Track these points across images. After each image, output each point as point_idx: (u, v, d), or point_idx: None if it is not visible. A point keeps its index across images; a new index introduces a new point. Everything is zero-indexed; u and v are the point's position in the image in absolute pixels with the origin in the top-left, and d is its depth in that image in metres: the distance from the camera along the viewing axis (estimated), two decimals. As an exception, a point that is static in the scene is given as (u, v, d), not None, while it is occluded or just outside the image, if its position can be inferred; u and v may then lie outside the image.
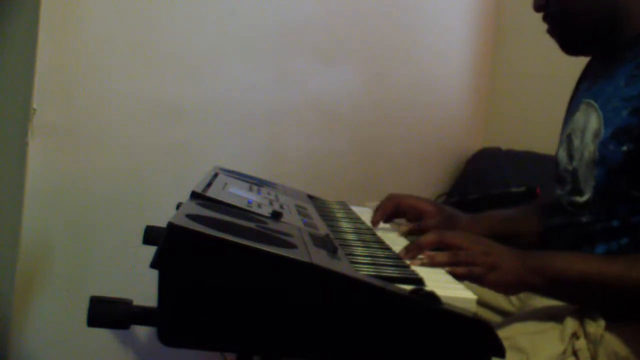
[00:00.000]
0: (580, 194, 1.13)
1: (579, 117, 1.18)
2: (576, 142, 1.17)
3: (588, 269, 0.98)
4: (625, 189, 1.05)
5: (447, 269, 0.95)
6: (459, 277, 0.94)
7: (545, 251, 1.10)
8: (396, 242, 1.12)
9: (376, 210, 1.31)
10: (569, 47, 1.20)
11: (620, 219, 1.06)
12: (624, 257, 1.01)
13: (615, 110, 1.07)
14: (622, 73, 1.10)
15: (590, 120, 1.13)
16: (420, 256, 0.99)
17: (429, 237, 1.00)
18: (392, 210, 1.32)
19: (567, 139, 1.22)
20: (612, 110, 1.08)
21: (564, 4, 1.15)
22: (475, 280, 0.97)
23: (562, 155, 1.22)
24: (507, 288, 1.00)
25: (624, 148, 1.04)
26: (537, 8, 1.19)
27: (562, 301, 1.08)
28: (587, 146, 1.11)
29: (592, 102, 1.15)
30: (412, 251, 1.00)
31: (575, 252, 1.08)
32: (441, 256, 0.97)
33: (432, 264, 0.96)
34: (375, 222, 1.28)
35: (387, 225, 1.32)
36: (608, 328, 1.01)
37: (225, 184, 1.18)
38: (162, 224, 0.75)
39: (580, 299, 1.03)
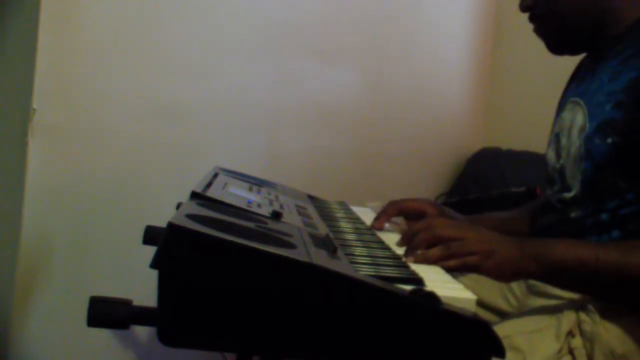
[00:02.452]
0: (568, 190, 1.14)
1: (565, 116, 1.20)
2: (563, 140, 1.18)
3: (585, 255, 0.98)
4: (612, 182, 1.05)
5: (441, 263, 0.95)
6: (454, 270, 0.94)
7: (542, 238, 1.10)
8: (396, 242, 1.12)
9: (379, 215, 1.29)
10: (556, 47, 1.21)
11: (610, 213, 1.06)
12: (620, 244, 1.01)
13: (599, 105, 1.08)
14: (606, 70, 1.11)
15: (577, 118, 1.14)
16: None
17: (421, 237, 0.99)
18: (395, 214, 1.31)
19: (555, 138, 1.23)
20: (596, 105, 1.09)
21: (551, 4, 1.16)
22: (471, 269, 0.96)
23: (551, 155, 1.23)
24: (504, 275, 0.99)
25: (609, 140, 1.04)
26: (524, 8, 1.19)
27: (559, 288, 1.09)
28: (574, 142, 1.13)
29: (578, 99, 1.16)
30: (410, 254, 0.99)
31: (573, 239, 1.08)
32: (434, 252, 0.96)
33: (426, 261, 0.95)
34: (377, 228, 1.26)
35: (387, 225, 1.32)
36: (604, 326, 1.01)
37: (225, 184, 1.18)
38: (162, 224, 0.75)
39: (577, 286, 1.03)
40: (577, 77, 1.28)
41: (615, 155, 1.04)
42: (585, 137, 1.09)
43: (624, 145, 1.03)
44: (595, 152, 1.07)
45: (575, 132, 1.13)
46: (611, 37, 1.14)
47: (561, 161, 1.17)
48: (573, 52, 1.25)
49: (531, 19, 1.20)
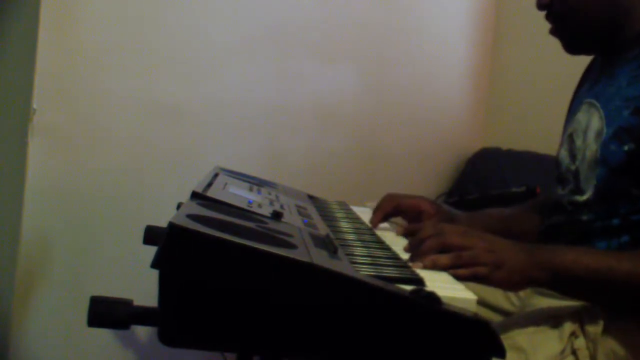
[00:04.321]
0: (581, 193, 1.13)
1: (581, 117, 1.18)
2: (578, 142, 1.17)
3: (596, 264, 0.96)
4: (626, 188, 1.05)
5: (450, 271, 0.94)
6: (463, 279, 0.93)
7: (552, 245, 1.09)
8: (396, 242, 1.12)
9: (375, 211, 1.30)
10: (573, 46, 1.20)
11: (621, 218, 1.06)
12: (632, 254, 1.00)
13: (617, 110, 1.07)
14: (624, 73, 1.10)
15: (593, 120, 1.13)
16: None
17: (430, 243, 0.97)
18: (391, 210, 1.30)
19: (568, 139, 1.22)
20: (614, 110, 1.08)
21: (569, 3, 1.15)
22: (480, 280, 0.95)
23: (564, 155, 1.22)
24: (514, 286, 0.99)
25: (626, 148, 1.04)
26: (541, 7, 1.18)
27: (568, 297, 1.08)
28: (589, 146, 1.12)
29: (594, 102, 1.15)
30: (417, 259, 0.97)
31: (583, 247, 1.07)
32: (444, 259, 0.94)
33: (435, 267, 0.94)
34: (374, 223, 1.27)
35: (387, 225, 1.32)
36: (607, 327, 1.01)
37: (226, 184, 1.18)
38: (162, 224, 0.75)
39: (587, 295, 1.02)
40: (590, 78, 1.26)
41: (630, 162, 1.03)
42: (602, 143, 1.08)
43: None
44: (611, 158, 1.06)
45: (591, 135, 1.12)
46: (629, 37, 1.13)
47: (576, 163, 1.16)
48: (590, 51, 1.24)
49: (548, 18, 1.19)
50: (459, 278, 0.92)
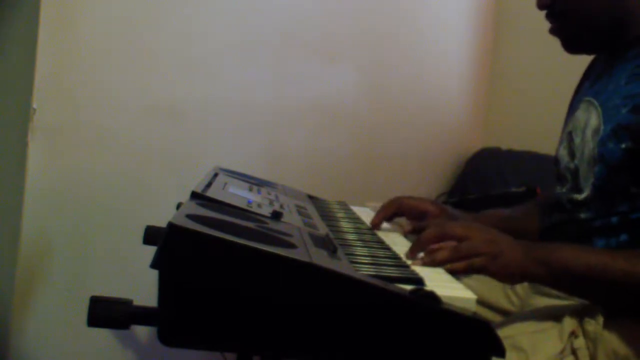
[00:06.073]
0: (580, 191, 1.13)
1: (580, 115, 1.18)
2: (577, 140, 1.17)
3: (592, 261, 0.97)
4: (624, 186, 1.05)
5: (448, 266, 0.94)
6: (459, 272, 0.94)
7: (550, 243, 1.09)
8: (396, 242, 1.12)
9: (378, 212, 1.31)
10: (573, 46, 1.20)
11: (619, 216, 1.06)
12: (628, 252, 1.00)
13: (615, 108, 1.07)
14: (623, 71, 1.10)
15: (591, 118, 1.13)
16: (421, 255, 0.99)
17: (430, 232, 0.99)
18: (393, 211, 1.31)
19: (567, 137, 1.22)
20: (612, 107, 1.08)
21: (571, 3, 1.15)
22: (477, 271, 0.96)
23: (563, 154, 1.22)
24: (510, 277, 0.99)
25: (623, 145, 1.04)
26: (542, 6, 1.18)
27: (564, 293, 1.08)
28: (587, 144, 1.12)
29: (593, 100, 1.15)
30: (415, 249, 0.99)
31: (580, 245, 1.07)
32: (442, 253, 0.96)
33: (434, 262, 0.95)
34: (376, 224, 1.27)
35: (388, 225, 1.32)
36: (607, 326, 1.01)
37: (225, 184, 1.18)
38: (162, 224, 0.75)
39: (583, 292, 1.02)
40: (591, 76, 1.26)
41: (628, 160, 1.03)
42: (599, 141, 1.08)
43: (638, 150, 1.02)
44: (609, 156, 1.06)
45: (589, 133, 1.12)
46: (630, 38, 1.13)
47: (576, 161, 1.16)
48: (590, 51, 1.24)
49: (549, 17, 1.18)
50: (456, 272, 0.93)
